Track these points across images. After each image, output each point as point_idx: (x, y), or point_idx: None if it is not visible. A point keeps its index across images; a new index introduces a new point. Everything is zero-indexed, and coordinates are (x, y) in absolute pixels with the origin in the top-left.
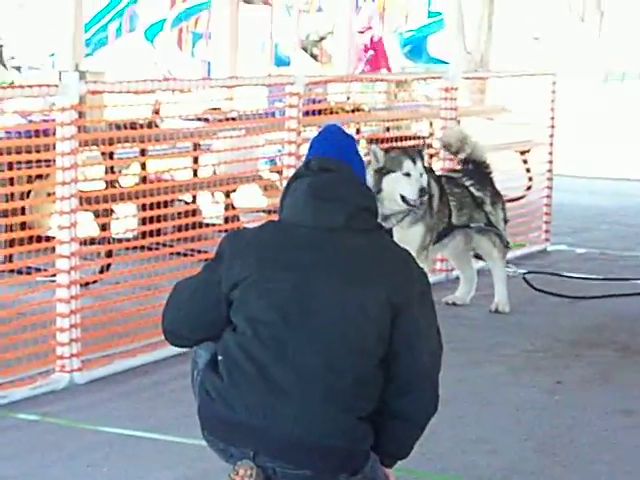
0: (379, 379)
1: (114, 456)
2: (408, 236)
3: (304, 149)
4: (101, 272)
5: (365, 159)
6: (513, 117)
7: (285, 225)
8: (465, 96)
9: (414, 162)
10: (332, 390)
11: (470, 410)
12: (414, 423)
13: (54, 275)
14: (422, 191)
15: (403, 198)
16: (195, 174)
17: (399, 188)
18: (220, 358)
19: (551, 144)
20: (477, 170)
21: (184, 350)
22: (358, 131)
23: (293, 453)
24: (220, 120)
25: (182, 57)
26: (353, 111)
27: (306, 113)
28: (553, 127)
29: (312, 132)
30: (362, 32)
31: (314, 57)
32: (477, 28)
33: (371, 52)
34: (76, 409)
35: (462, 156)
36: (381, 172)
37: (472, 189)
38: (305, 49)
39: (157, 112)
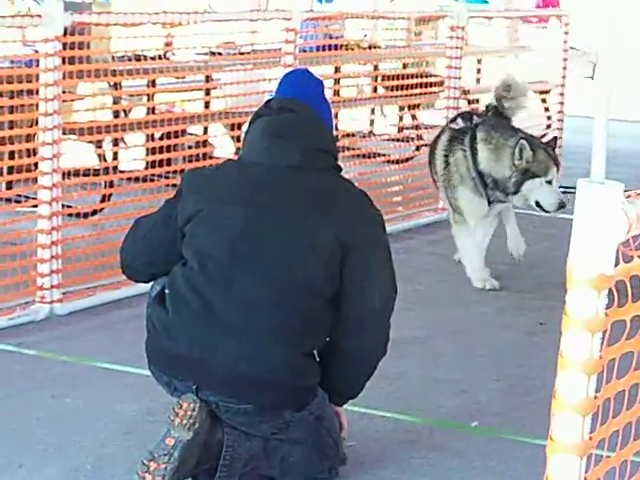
0: (327, 317)
1: (80, 387)
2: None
3: None
4: (102, 202)
5: (510, 152)
6: (538, 57)
7: (243, 163)
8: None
9: (557, 170)
10: (277, 326)
11: (447, 350)
12: (362, 363)
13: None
14: (562, 205)
15: (537, 204)
16: (206, 106)
17: (538, 195)
18: (167, 292)
19: (563, 85)
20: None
21: None
22: (376, 67)
23: (235, 387)
24: (233, 54)
25: None
26: (370, 48)
27: (322, 48)
28: (565, 68)
29: (328, 68)
30: None
31: None
32: None
33: None
34: (52, 340)
35: (505, 104)
36: (525, 174)
37: None
38: None
39: (169, 44)
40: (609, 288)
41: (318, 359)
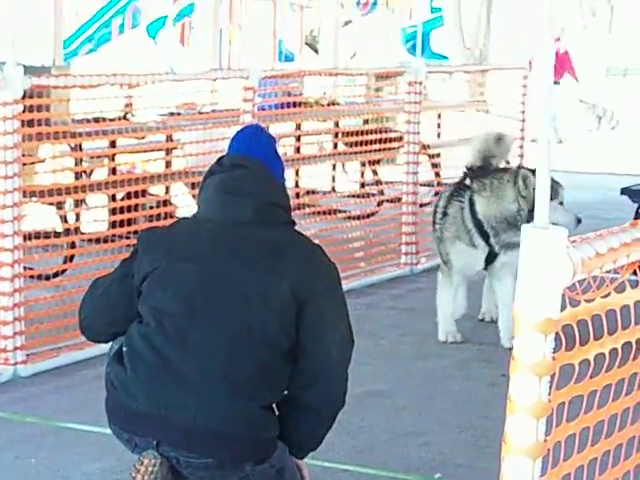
0: (285, 370)
1: (45, 448)
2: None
3: None
4: (64, 264)
5: (512, 184)
6: (510, 111)
7: (197, 220)
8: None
9: (561, 203)
10: (234, 380)
11: (410, 403)
12: (321, 415)
13: None
14: (579, 221)
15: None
16: (167, 166)
17: (555, 218)
18: (125, 349)
19: (522, 138)
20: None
21: None
22: (336, 124)
23: (195, 442)
24: (192, 114)
25: (184, 52)
26: (329, 104)
27: (281, 106)
28: (524, 121)
29: (289, 126)
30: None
31: (316, 52)
32: (476, 23)
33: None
34: (16, 401)
35: (491, 162)
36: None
37: None
38: (310, 45)
39: (129, 105)
40: (556, 332)
41: (277, 412)
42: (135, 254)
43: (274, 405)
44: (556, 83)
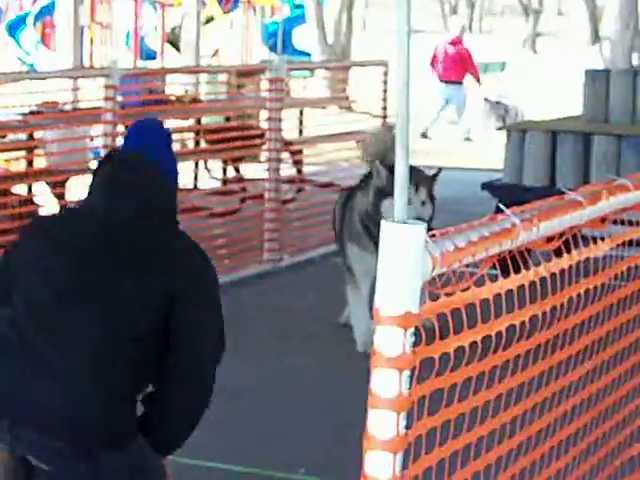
0: (150, 366)
1: None
2: None
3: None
4: None
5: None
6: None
7: (79, 213)
8: (325, 86)
9: (417, 189)
10: (95, 371)
11: (277, 400)
12: (184, 414)
13: None
14: (419, 219)
15: None
16: (29, 165)
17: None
18: None
19: None
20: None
21: None
22: (198, 122)
23: (49, 426)
24: (54, 112)
25: (47, 53)
26: (191, 102)
27: (144, 104)
28: (385, 117)
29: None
30: (452, 44)
31: (178, 50)
32: (337, 20)
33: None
34: None
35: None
36: (381, 193)
37: None
38: (171, 42)
39: None
40: (416, 326)
41: (142, 407)
42: (14, 243)
43: (137, 399)
44: (459, 83)
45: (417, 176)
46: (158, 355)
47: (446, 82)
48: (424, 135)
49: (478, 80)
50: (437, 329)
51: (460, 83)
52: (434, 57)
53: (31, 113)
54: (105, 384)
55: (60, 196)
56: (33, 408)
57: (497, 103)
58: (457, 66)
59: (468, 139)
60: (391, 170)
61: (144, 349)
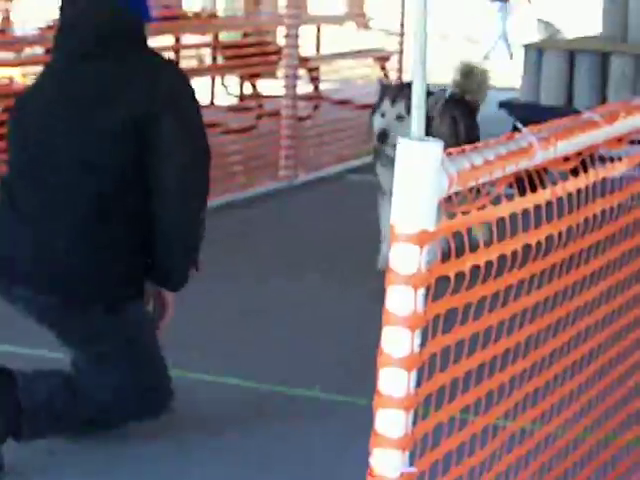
0: (128, 200)
1: None
2: None
3: None
4: None
5: None
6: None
7: (49, 64)
8: (343, 3)
9: (393, 102)
10: (76, 216)
11: (288, 319)
12: (172, 236)
13: None
14: (381, 136)
15: None
16: None
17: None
18: None
19: (401, 52)
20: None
21: None
22: (216, 38)
23: (42, 279)
24: None
25: None
26: (208, 18)
27: (160, 19)
28: (402, 35)
29: (168, 38)
30: None
31: None
32: None
33: None
34: None
35: (466, 90)
36: (372, 109)
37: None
38: None
39: (7, 18)
40: (431, 244)
41: (136, 246)
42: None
43: (127, 244)
44: (505, 1)
45: (398, 90)
46: (134, 188)
47: None
48: (486, 57)
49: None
50: (453, 247)
51: (506, 1)
52: None
53: (48, 27)
54: (88, 229)
55: None
56: (20, 264)
57: (548, 23)
58: None
59: (487, 58)
60: (395, 88)
61: (119, 183)
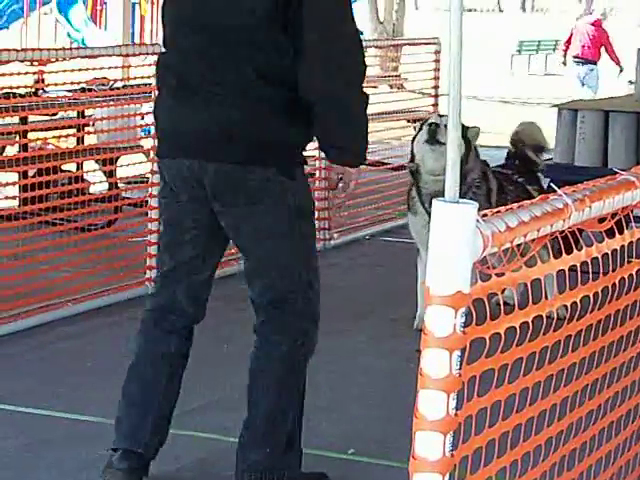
0: (285, 62)
1: None
2: None
3: None
4: None
5: None
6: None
7: None
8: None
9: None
10: (238, 82)
11: (324, 378)
12: (333, 101)
13: None
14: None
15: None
16: (79, 142)
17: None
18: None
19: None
20: (524, 166)
21: (47, 319)
22: None
23: (207, 146)
24: (104, 89)
25: (96, 30)
26: None
27: None
28: (437, 96)
29: None
30: (592, 25)
31: None
32: None
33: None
34: None
35: (524, 151)
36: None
37: (528, 187)
38: None
39: (41, 81)
40: (467, 306)
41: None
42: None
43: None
44: (593, 63)
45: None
46: (289, 50)
47: (581, 61)
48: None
49: (618, 63)
50: (488, 309)
51: (594, 63)
52: (570, 37)
53: (81, 90)
54: (249, 95)
55: (110, 174)
56: (190, 134)
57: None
58: (594, 46)
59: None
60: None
61: (281, 51)
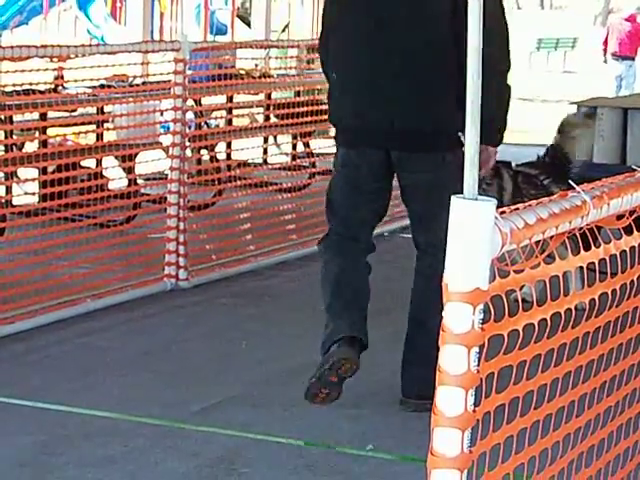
0: (453, 52)
1: None
2: None
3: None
4: None
5: None
6: None
7: None
8: None
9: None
10: (417, 85)
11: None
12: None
13: None
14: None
15: None
16: (99, 139)
17: None
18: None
19: None
20: (555, 164)
21: (66, 316)
22: (268, 96)
23: (396, 139)
24: (124, 86)
25: (116, 26)
26: (261, 77)
27: (213, 78)
28: None
29: (221, 98)
30: (627, 20)
31: (249, 25)
32: None
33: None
34: None
35: (564, 145)
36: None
37: (554, 189)
38: (241, 17)
39: (61, 77)
40: (485, 303)
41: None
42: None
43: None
44: (631, 59)
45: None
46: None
47: (619, 57)
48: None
49: None
50: (506, 306)
51: (632, 59)
52: (607, 36)
53: (101, 87)
54: (430, 92)
55: (129, 170)
56: (376, 130)
57: None
58: (632, 42)
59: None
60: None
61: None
